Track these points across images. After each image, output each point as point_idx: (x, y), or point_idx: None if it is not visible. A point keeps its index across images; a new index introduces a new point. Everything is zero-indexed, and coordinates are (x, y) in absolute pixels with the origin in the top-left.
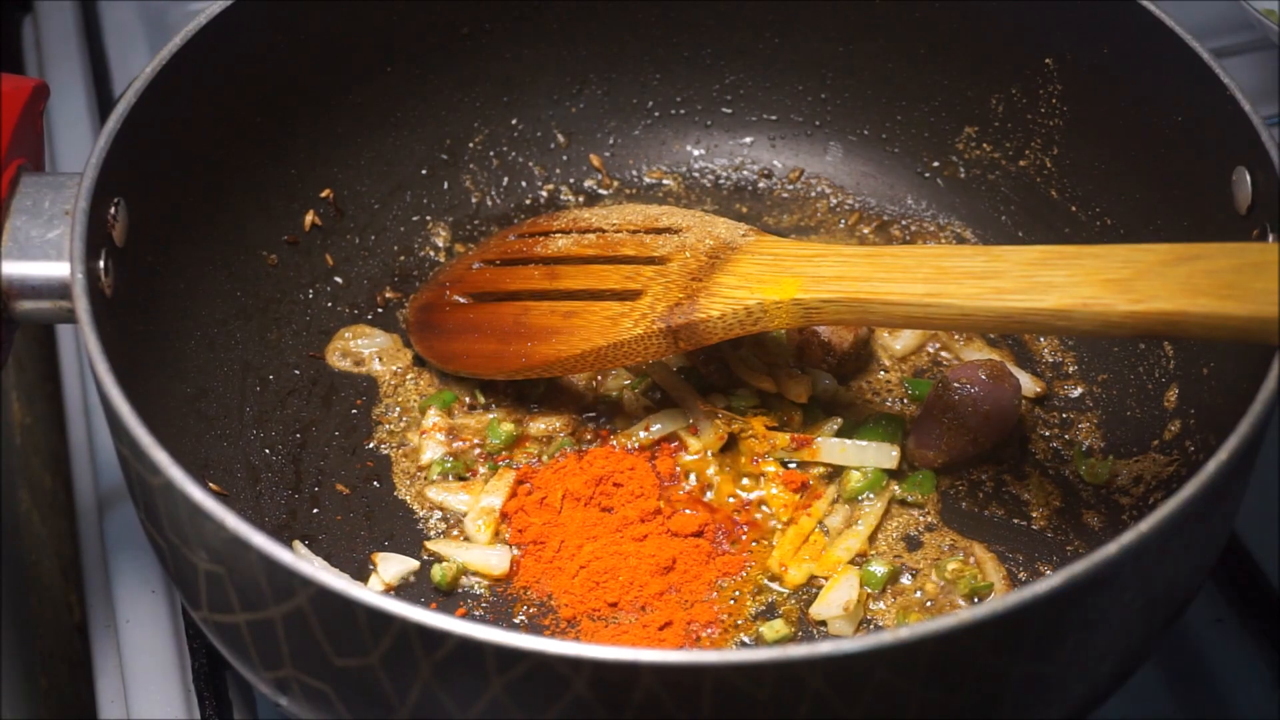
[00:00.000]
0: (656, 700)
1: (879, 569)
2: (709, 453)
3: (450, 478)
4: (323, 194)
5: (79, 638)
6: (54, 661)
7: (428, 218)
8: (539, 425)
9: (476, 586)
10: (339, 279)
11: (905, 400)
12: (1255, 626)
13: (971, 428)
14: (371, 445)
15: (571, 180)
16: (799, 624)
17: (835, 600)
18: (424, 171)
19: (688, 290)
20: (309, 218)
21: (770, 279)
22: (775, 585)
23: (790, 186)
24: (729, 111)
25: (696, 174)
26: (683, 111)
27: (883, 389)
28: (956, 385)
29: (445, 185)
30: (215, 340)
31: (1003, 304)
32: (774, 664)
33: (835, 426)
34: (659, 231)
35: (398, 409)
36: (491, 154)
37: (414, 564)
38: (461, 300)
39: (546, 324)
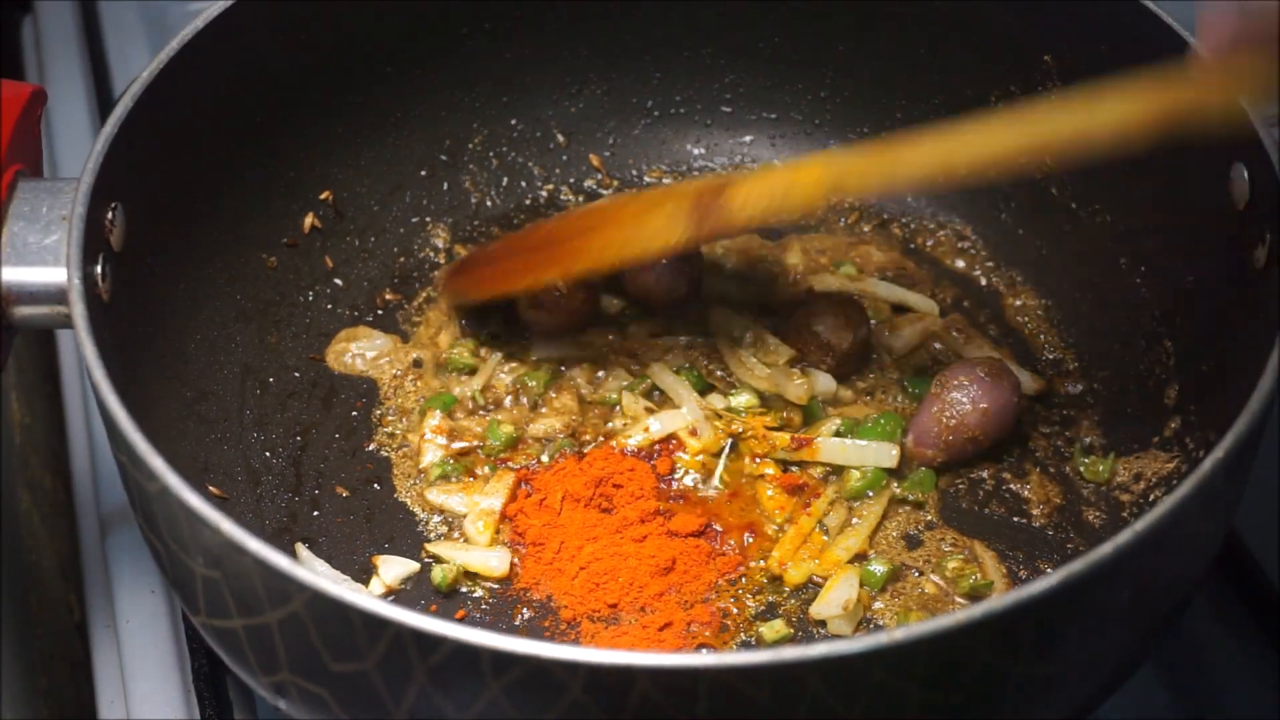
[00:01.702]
0: (653, 703)
1: (879, 568)
2: (709, 453)
3: (452, 479)
4: (322, 196)
5: (79, 638)
6: (54, 661)
7: (427, 219)
8: (539, 427)
9: (477, 589)
10: (339, 281)
11: (905, 399)
12: (1255, 626)
13: (971, 426)
14: (372, 447)
15: (571, 180)
16: (799, 624)
17: (835, 600)
18: (423, 172)
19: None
20: (308, 220)
21: (790, 169)
22: (775, 585)
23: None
24: (729, 110)
25: (696, 173)
26: (683, 110)
27: (883, 388)
28: (955, 383)
29: (445, 186)
30: (215, 343)
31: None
32: (771, 666)
33: (835, 426)
34: None
35: (398, 411)
36: (491, 154)
37: (414, 566)
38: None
39: (581, 225)
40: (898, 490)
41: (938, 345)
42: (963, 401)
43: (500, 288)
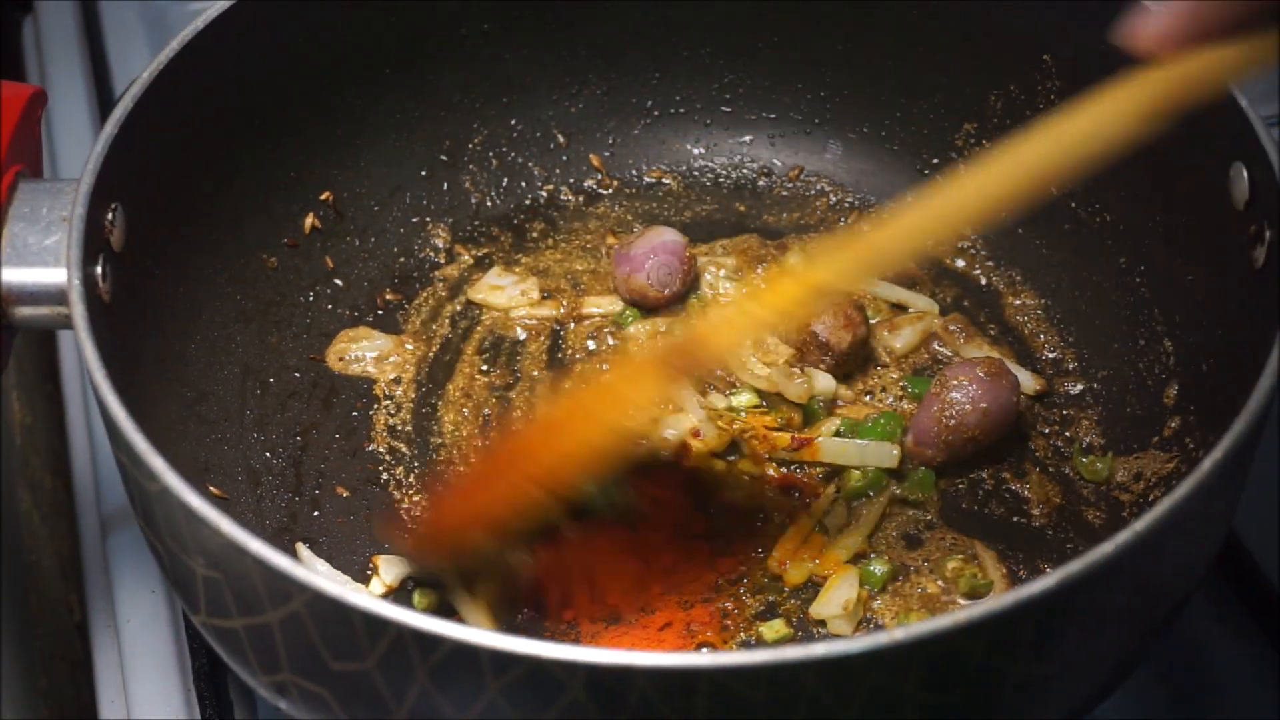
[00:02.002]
0: (652, 703)
1: (878, 568)
2: (710, 454)
3: None
4: (322, 196)
5: (79, 638)
6: (54, 661)
7: (427, 219)
8: None
9: None
10: (339, 281)
11: (905, 399)
12: (1255, 626)
13: (970, 425)
14: (372, 448)
15: (571, 180)
16: (799, 624)
17: (835, 600)
18: (423, 173)
19: None
20: (308, 220)
21: (760, 296)
22: (775, 585)
23: (790, 185)
24: (728, 110)
25: (696, 173)
26: (682, 110)
27: (882, 388)
28: (955, 383)
29: (445, 186)
30: (215, 344)
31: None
32: (769, 666)
33: (835, 426)
34: None
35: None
36: (491, 154)
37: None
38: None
39: (551, 430)
40: (898, 490)
41: (938, 345)
42: (962, 401)
43: (472, 524)
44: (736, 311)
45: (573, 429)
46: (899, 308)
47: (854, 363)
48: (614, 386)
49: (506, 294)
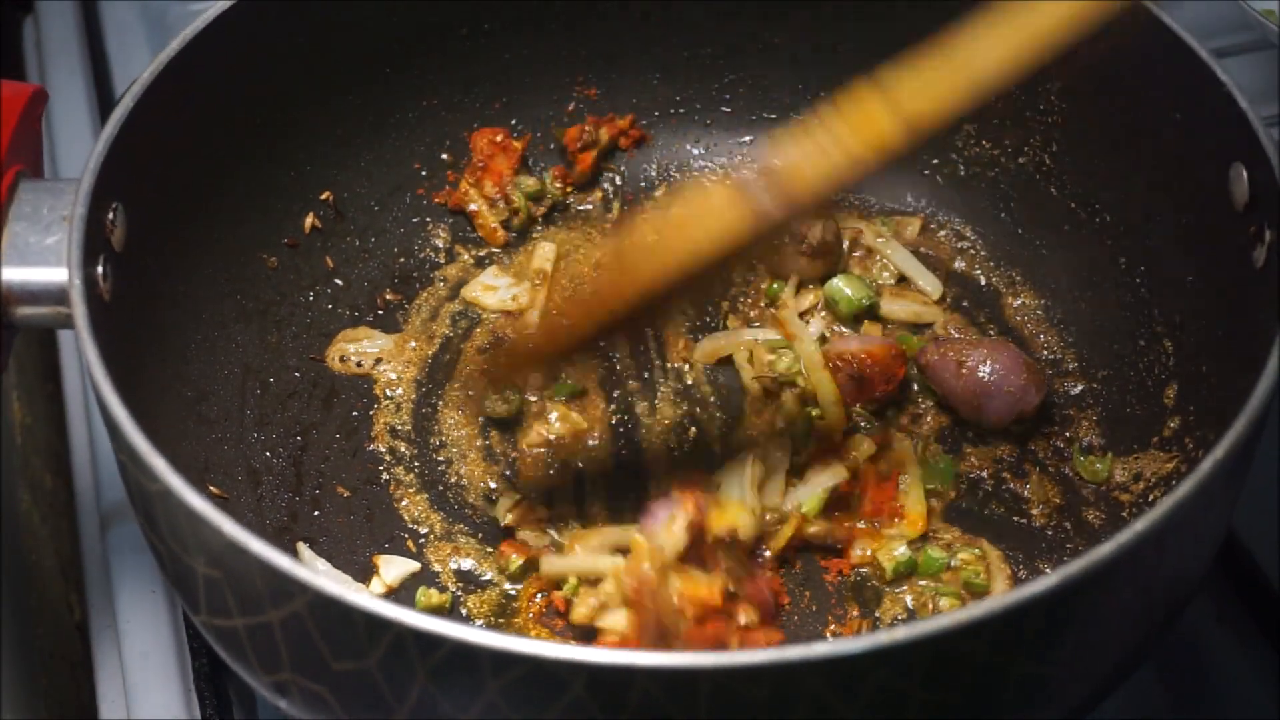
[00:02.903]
0: (653, 703)
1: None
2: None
3: None
4: (322, 196)
5: (79, 638)
6: (54, 661)
7: (427, 219)
8: None
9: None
10: (339, 281)
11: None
12: (1255, 626)
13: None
14: (372, 447)
15: (571, 180)
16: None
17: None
18: (424, 172)
19: None
20: (309, 220)
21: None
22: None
23: None
24: (729, 110)
25: (696, 173)
26: (682, 111)
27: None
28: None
29: (445, 186)
30: (215, 344)
31: None
32: (771, 666)
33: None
34: None
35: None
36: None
37: (415, 565)
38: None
39: (635, 247)
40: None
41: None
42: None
43: (577, 338)
44: (826, 142)
45: (648, 258)
46: (905, 280)
47: (830, 259)
48: (689, 217)
49: (498, 295)
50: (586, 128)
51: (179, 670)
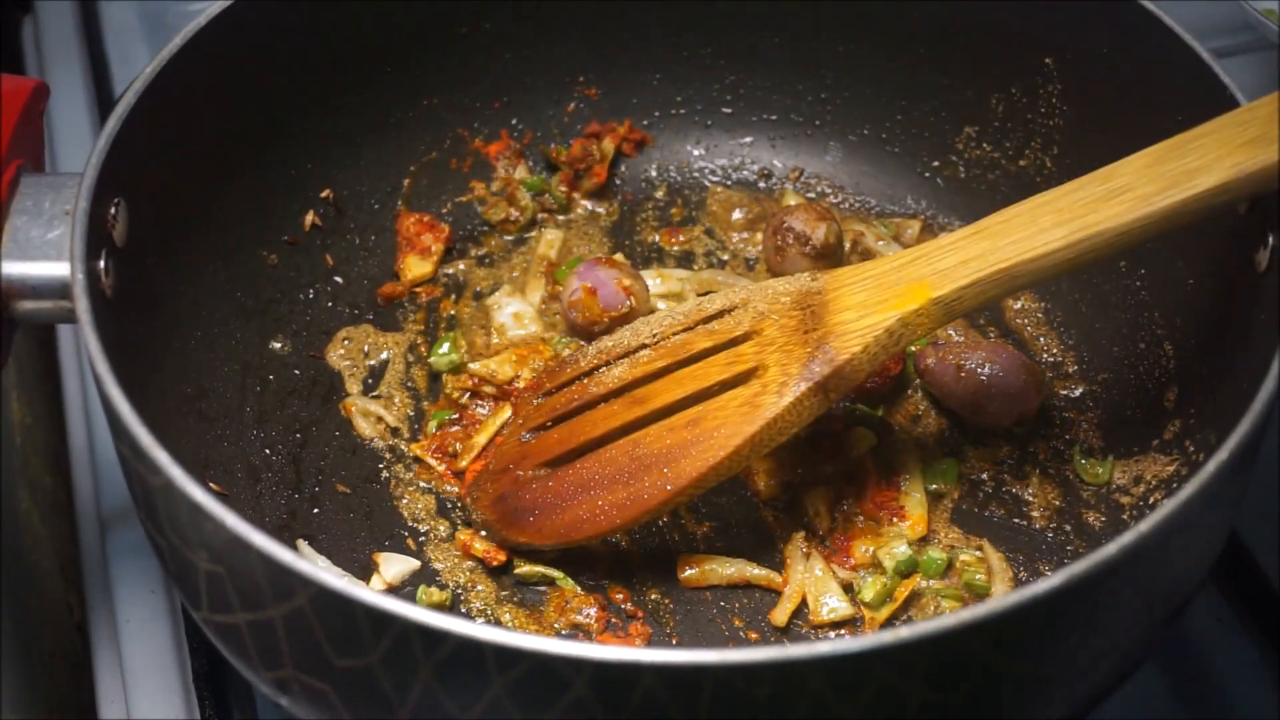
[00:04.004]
0: (656, 700)
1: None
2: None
3: None
4: (322, 194)
5: (79, 638)
6: (54, 661)
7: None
8: None
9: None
10: (339, 279)
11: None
12: (1255, 626)
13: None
14: (372, 445)
15: (572, 180)
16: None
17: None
18: (423, 173)
19: (809, 343)
20: (309, 218)
21: (891, 296)
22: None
23: (790, 186)
24: (729, 111)
25: (696, 174)
26: (683, 111)
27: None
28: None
29: (445, 186)
30: (215, 340)
31: (1157, 206)
32: (773, 664)
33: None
34: (714, 318)
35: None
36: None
37: (415, 564)
38: (541, 473)
39: (672, 442)
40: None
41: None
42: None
43: (601, 530)
44: (870, 323)
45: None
46: None
47: (832, 258)
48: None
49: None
50: (590, 146)
51: (179, 670)
